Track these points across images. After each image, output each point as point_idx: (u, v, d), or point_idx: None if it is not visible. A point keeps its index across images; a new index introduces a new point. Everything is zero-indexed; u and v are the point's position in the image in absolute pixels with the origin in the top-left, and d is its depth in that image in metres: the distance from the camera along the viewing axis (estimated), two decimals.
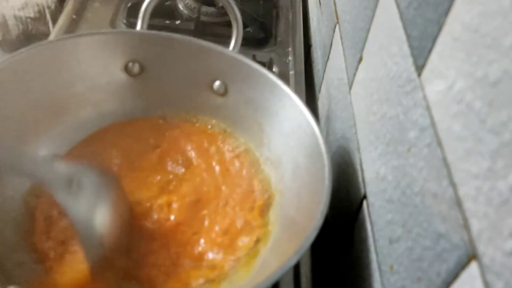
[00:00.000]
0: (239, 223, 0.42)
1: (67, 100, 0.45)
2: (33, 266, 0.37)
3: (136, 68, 0.48)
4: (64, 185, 0.35)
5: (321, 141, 0.39)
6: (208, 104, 0.49)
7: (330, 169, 0.37)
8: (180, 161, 0.47)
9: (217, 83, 0.48)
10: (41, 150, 0.43)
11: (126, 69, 0.47)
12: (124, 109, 0.49)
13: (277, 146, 0.45)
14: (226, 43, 0.50)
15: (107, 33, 0.47)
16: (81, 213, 0.35)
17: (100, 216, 0.36)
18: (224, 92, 0.48)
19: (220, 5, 0.66)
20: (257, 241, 0.41)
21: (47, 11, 0.80)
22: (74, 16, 0.64)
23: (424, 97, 0.27)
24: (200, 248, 0.40)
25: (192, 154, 0.47)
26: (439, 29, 0.25)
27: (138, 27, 0.50)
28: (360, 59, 0.41)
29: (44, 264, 0.37)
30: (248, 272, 0.39)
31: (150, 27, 0.51)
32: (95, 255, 0.35)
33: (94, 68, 0.46)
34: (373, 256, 0.35)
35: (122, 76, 0.48)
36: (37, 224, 0.39)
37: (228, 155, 0.48)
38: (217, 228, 0.42)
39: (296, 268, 0.43)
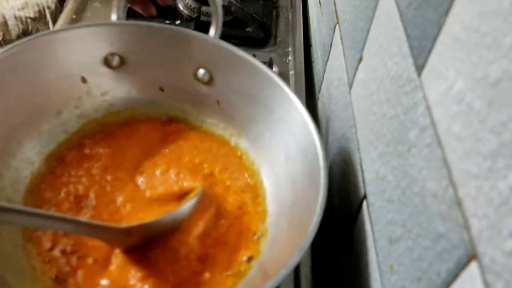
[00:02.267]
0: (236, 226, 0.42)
1: (49, 99, 0.44)
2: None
3: (116, 60, 0.46)
4: None
5: (311, 126, 0.39)
6: (193, 93, 0.48)
7: (325, 159, 0.36)
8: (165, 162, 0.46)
9: (201, 71, 0.47)
10: (28, 150, 0.42)
11: (106, 62, 0.46)
12: (107, 103, 0.48)
13: (267, 133, 0.45)
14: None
15: (82, 27, 0.45)
16: None
17: None
18: (208, 80, 0.47)
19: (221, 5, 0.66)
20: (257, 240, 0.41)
21: (47, 11, 0.80)
22: (74, 16, 0.64)
23: (424, 97, 0.27)
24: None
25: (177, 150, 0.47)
26: (439, 29, 0.25)
27: (114, 17, 0.48)
28: (360, 59, 0.41)
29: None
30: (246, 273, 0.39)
31: None
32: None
33: (73, 64, 0.45)
34: (373, 256, 0.35)
35: (103, 70, 0.46)
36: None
37: (215, 150, 0.47)
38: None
39: (296, 268, 0.43)
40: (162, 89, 0.49)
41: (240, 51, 0.44)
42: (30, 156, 0.43)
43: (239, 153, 0.48)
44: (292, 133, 0.42)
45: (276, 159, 0.44)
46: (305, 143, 0.40)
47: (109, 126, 0.48)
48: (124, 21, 0.48)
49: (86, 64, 0.45)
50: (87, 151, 0.45)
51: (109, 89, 0.48)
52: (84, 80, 0.46)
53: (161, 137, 0.48)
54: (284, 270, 0.30)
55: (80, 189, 0.42)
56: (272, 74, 0.43)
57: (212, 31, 0.48)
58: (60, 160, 0.44)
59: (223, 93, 0.47)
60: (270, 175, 0.45)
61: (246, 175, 0.46)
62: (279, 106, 0.43)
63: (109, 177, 0.44)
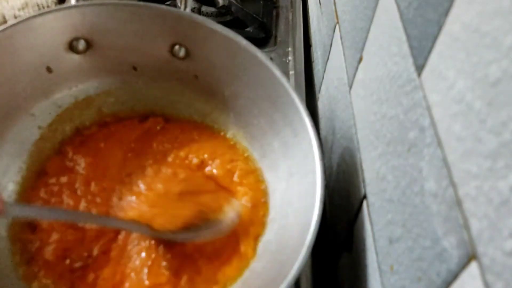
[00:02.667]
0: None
1: (16, 96, 0.43)
2: None
3: (81, 45, 0.44)
4: None
5: (291, 90, 0.38)
6: (169, 70, 0.46)
7: (313, 127, 0.36)
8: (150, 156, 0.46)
9: (177, 46, 0.45)
10: (4, 155, 0.42)
11: (71, 48, 0.44)
12: (77, 90, 0.47)
13: (252, 108, 0.44)
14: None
15: (38, 16, 0.42)
16: None
17: None
18: (185, 55, 0.46)
19: (220, 5, 0.66)
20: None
21: None
22: None
23: (424, 97, 0.27)
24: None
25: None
26: (439, 29, 0.25)
27: (73, 0, 0.46)
28: (360, 59, 0.41)
29: None
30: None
31: None
32: None
33: (35, 56, 0.43)
34: (373, 256, 0.35)
35: (69, 56, 0.44)
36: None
37: (197, 137, 0.47)
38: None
39: None
40: (135, 68, 0.47)
41: (217, 24, 0.43)
42: (7, 164, 0.42)
43: (222, 133, 0.47)
44: (278, 107, 0.41)
45: (263, 133, 0.44)
46: (292, 117, 0.39)
47: (84, 121, 0.47)
48: (85, 2, 0.46)
49: (49, 53, 0.43)
50: (67, 159, 0.45)
51: (78, 75, 0.46)
52: (49, 70, 0.44)
53: (141, 135, 0.48)
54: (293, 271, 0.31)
55: (70, 200, 0.42)
56: (251, 47, 0.42)
57: (182, 7, 0.47)
58: (42, 173, 0.44)
59: (201, 67, 0.46)
60: (259, 149, 0.45)
61: (235, 156, 0.46)
62: (259, 78, 0.42)
63: (95, 189, 0.44)
